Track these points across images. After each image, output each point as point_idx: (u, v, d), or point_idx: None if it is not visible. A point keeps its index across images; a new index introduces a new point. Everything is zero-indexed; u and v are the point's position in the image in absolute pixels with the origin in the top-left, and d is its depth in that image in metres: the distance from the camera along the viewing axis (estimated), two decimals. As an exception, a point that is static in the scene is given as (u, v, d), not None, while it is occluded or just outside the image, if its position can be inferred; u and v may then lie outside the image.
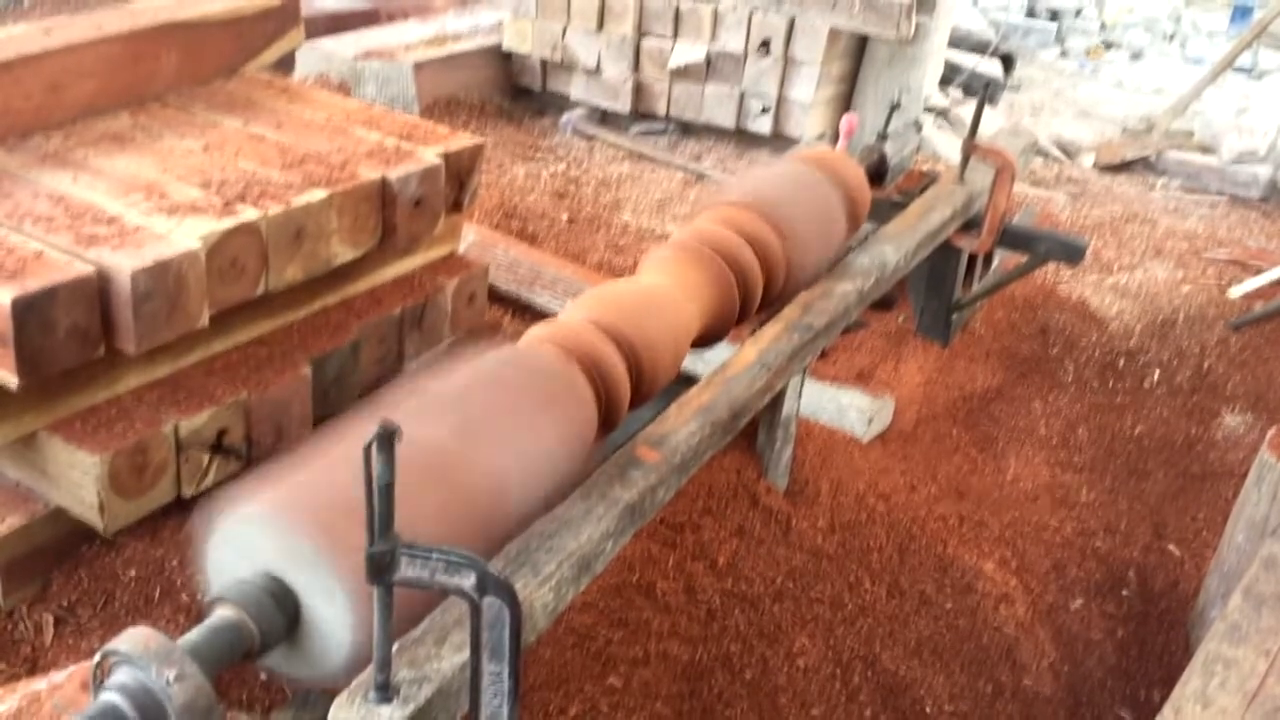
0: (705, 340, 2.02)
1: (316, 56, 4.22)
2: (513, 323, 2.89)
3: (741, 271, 2.02)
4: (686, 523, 2.15)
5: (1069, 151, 5.05)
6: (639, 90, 4.42)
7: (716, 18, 4.21)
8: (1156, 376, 3.08)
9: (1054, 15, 7.37)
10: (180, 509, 1.87)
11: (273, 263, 1.94)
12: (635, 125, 4.50)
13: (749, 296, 2.06)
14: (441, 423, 1.42)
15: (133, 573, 1.84)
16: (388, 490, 1.08)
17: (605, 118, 4.54)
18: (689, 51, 4.27)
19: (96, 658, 1.14)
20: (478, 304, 2.53)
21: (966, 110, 4.72)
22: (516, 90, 4.72)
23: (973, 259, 3.07)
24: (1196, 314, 3.36)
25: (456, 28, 4.71)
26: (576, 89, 4.53)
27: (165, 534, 1.88)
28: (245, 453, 1.96)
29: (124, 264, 1.69)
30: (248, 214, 1.89)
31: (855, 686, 2.00)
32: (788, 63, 4.18)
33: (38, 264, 1.68)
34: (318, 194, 2.00)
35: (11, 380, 1.64)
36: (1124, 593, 2.37)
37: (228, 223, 1.85)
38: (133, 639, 1.14)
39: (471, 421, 1.45)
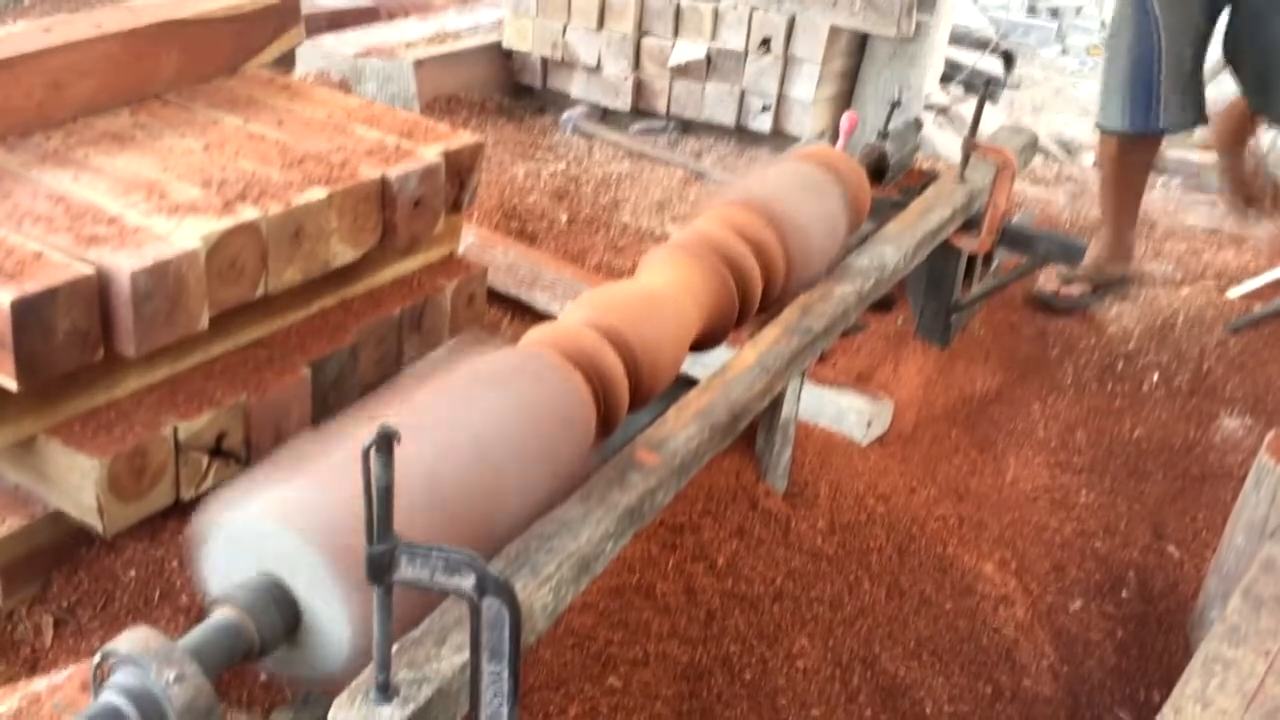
0: (705, 342, 2.02)
1: (317, 54, 4.22)
2: (512, 324, 2.89)
3: (741, 273, 2.02)
4: (686, 524, 2.15)
5: (1069, 150, 5.05)
6: (639, 88, 4.42)
7: (717, 16, 4.21)
8: (1155, 378, 3.08)
9: (1055, 13, 7.36)
10: (180, 511, 1.88)
11: (272, 263, 1.94)
12: (636, 123, 4.50)
13: (749, 298, 2.06)
14: (438, 426, 1.42)
15: (133, 574, 1.85)
16: (387, 491, 1.09)
17: (606, 116, 4.54)
18: (689, 50, 4.27)
19: (96, 658, 1.14)
20: (477, 305, 2.53)
21: (967, 108, 4.72)
22: (517, 88, 4.72)
23: (972, 259, 3.07)
24: (1195, 316, 3.36)
25: (457, 25, 4.70)
26: (577, 87, 4.53)
27: (165, 535, 1.88)
28: (244, 456, 1.96)
29: (124, 264, 1.69)
30: (248, 213, 1.89)
31: (855, 688, 2.00)
32: (788, 61, 4.18)
33: (37, 265, 1.68)
34: (318, 193, 2.00)
35: (11, 383, 1.63)
36: (1123, 594, 2.37)
37: (228, 222, 1.85)
38: (133, 639, 1.14)
39: (468, 425, 1.45)
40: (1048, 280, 3.42)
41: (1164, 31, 3.03)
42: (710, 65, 4.29)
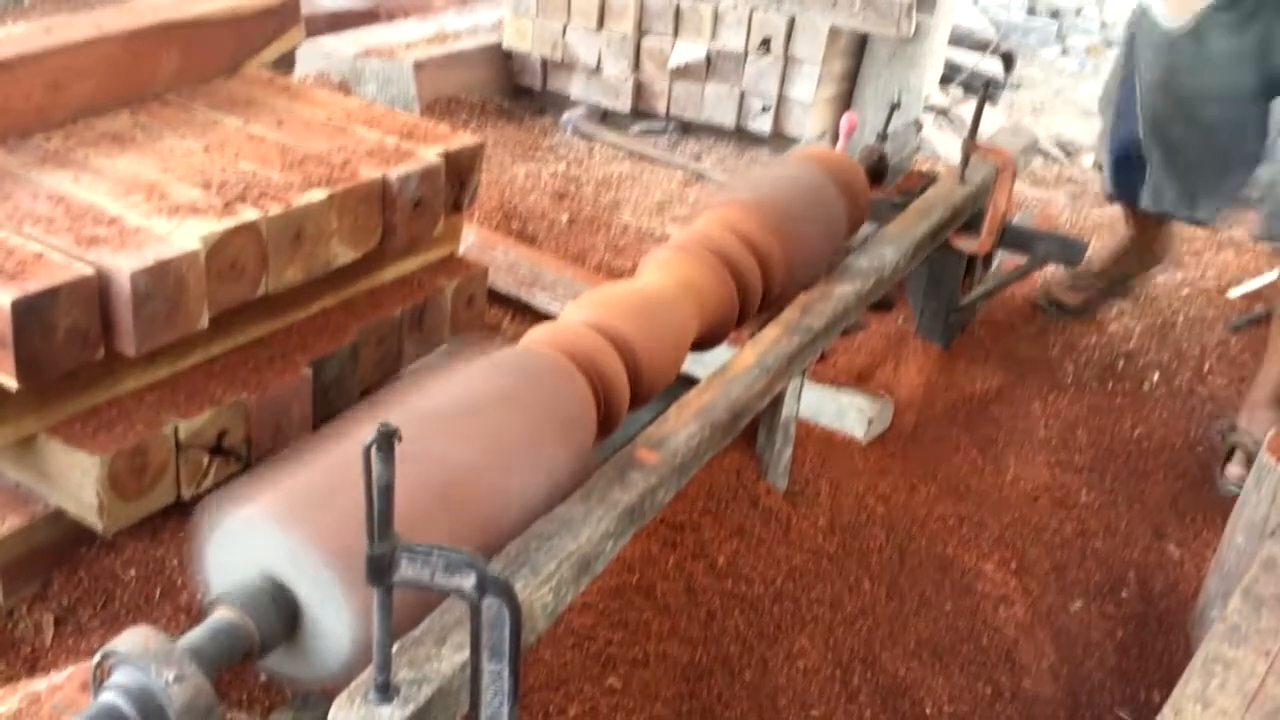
0: (705, 342, 2.02)
1: (317, 55, 4.22)
2: (512, 324, 2.89)
3: (741, 273, 2.02)
4: (686, 523, 2.15)
5: (1069, 151, 5.05)
6: (639, 89, 4.42)
7: (717, 16, 4.21)
8: (1156, 378, 3.08)
9: (1055, 14, 7.35)
10: (180, 510, 1.88)
11: (273, 264, 1.94)
12: (636, 124, 4.50)
13: (748, 298, 2.06)
14: (440, 426, 1.42)
15: (133, 573, 1.85)
16: (387, 491, 1.08)
17: (606, 117, 4.54)
18: (689, 50, 4.27)
19: (96, 658, 1.14)
20: (477, 305, 2.53)
21: (967, 109, 4.71)
22: (517, 89, 4.72)
23: (972, 260, 3.07)
24: (1196, 315, 3.36)
25: (456, 26, 4.71)
26: (577, 88, 4.53)
27: (165, 534, 1.88)
28: (245, 454, 1.96)
29: (124, 265, 1.69)
30: (248, 214, 1.89)
31: (855, 688, 2.00)
32: (788, 62, 4.18)
33: (38, 265, 1.68)
34: (318, 194, 2.00)
35: (11, 382, 1.64)
36: (1123, 594, 2.37)
37: (228, 223, 1.85)
38: (132, 639, 1.14)
39: (470, 424, 1.45)
40: (1052, 285, 3.36)
41: (1146, 113, 2.90)
42: (710, 66, 4.29)
